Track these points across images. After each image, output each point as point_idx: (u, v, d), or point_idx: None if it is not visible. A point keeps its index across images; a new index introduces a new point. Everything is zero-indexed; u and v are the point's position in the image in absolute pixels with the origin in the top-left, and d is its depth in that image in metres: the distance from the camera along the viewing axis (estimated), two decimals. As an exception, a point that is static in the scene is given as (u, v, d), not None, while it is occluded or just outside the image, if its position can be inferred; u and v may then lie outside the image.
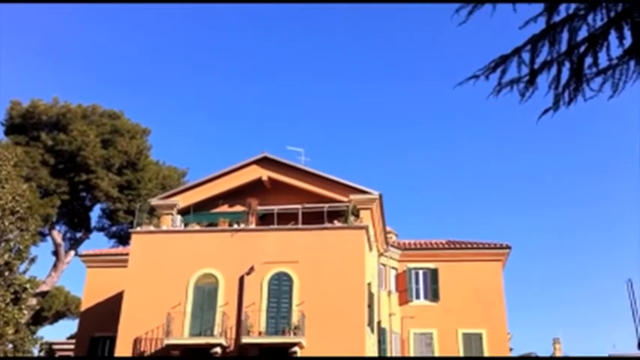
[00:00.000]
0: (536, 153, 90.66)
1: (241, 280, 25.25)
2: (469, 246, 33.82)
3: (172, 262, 25.72)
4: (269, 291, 25.06)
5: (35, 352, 26.63)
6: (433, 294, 32.81)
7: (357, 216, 26.82)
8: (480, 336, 31.71)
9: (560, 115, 8.34)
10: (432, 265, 33.34)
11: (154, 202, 29.20)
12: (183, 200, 28.72)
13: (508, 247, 33.23)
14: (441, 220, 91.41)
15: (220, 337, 24.08)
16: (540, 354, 56.62)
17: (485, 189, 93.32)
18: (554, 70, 8.16)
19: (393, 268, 33.33)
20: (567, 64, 8.08)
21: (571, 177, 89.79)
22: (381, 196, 28.29)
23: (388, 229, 32.54)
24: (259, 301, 24.87)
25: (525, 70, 8.22)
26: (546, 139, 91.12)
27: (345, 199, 27.51)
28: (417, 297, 33.02)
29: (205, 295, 25.14)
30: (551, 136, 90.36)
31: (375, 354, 27.84)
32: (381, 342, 29.59)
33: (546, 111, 8.35)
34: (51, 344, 30.53)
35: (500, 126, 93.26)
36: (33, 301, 31.39)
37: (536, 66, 8.19)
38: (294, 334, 23.97)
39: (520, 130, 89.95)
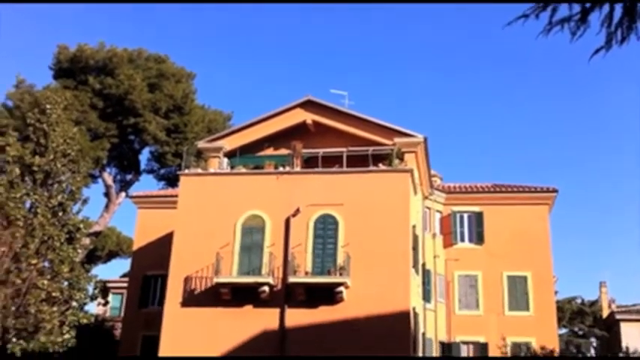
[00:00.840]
0: (587, 96, 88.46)
1: (287, 221, 25.64)
2: (515, 189, 33.59)
3: (220, 204, 26.22)
4: (314, 232, 25.42)
5: (90, 290, 27.60)
6: (478, 237, 32.85)
7: (401, 159, 26.80)
8: (524, 279, 31.80)
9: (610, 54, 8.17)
10: (476, 209, 33.27)
11: (201, 144, 29.61)
12: (229, 143, 29.06)
13: (555, 191, 32.90)
14: (486, 164, 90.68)
15: (268, 277, 24.65)
16: (586, 297, 56.52)
17: (532, 133, 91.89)
18: (606, 7, 7.96)
19: (438, 211, 33.37)
20: (620, 2, 7.87)
21: (627, 123, 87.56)
22: (425, 139, 28.15)
23: (433, 172, 32.47)
24: (305, 243, 25.28)
25: (577, 8, 8.04)
26: (601, 81, 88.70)
27: (390, 142, 27.47)
28: (462, 240, 33.12)
29: (252, 236, 25.65)
30: (605, 80, 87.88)
31: (420, 295, 28.18)
32: (426, 283, 29.90)
33: (598, 50, 8.19)
34: (105, 282, 31.65)
35: (547, 68, 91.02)
36: (86, 241, 32.41)
37: (587, 4, 8.00)
38: (340, 274, 24.38)
39: (569, 72, 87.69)
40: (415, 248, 26.59)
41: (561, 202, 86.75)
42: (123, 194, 39.98)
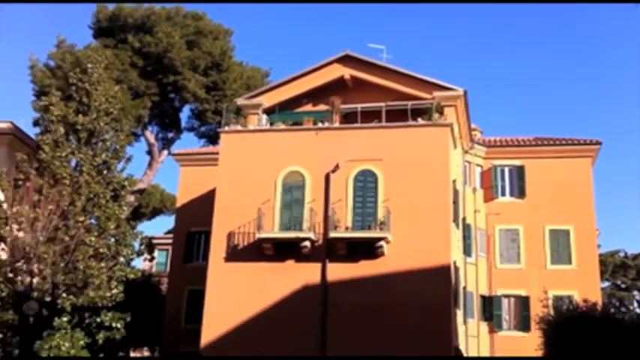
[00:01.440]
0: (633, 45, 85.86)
1: (327, 177, 25.75)
2: (557, 142, 33.11)
3: (260, 160, 26.43)
4: (354, 188, 25.51)
5: (136, 246, 28.27)
6: (519, 191, 32.60)
7: (441, 113, 26.54)
8: (567, 232, 31.58)
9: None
10: (518, 162, 32.93)
11: (240, 101, 29.72)
12: (268, 100, 29.11)
13: (598, 143, 32.34)
14: (528, 117, 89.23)
15: (309, 232, 24.91)
16: (629, 250, 55.88)
17: (575, 84, 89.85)
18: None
19: (478, 165, 33.13)
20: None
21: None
22: (465, 93, 27.80)
23: (473, 126, 32.13)
24: (345, 198, 25.41)
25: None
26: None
27: (429, 96, 27.20)
28: (503, 194, 32.90)
29: (293, 192, 25.87)
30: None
31: (460, 249, 28.22)
32: (466, 238, 29.90)
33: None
34: (150, 238, 32.31)
35: (593, 18, 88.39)
36: (131, 198, 33.09)
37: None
38: (380, 229, 24.50)
39: (614, 22, 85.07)
40: (455, 202, 26.52)
41: (605, 154, 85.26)
42: (165, 152, 40.51)
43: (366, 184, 25.42)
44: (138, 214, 45.36)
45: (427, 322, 23.25)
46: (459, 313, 26.36)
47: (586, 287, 28.58)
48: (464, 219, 29.63)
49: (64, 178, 24.96)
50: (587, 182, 32.22)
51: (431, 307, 23.51)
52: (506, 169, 33.15)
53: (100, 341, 26.00)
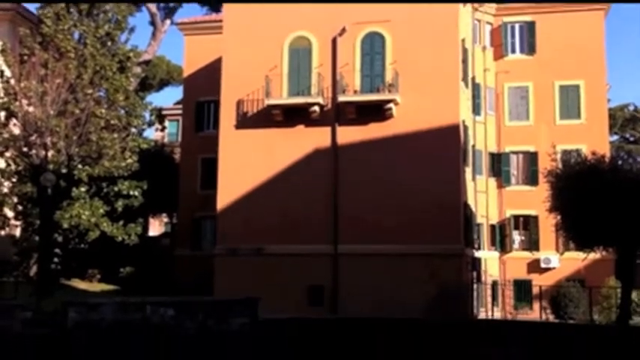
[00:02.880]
0: None
1: (334, 41, 25.38)
2: (569, -5, 32.15)
3: (265, 26, 25.96)
4: (362, 51, 25.19)
5: (147, 117, 28.51)
6: (529, 47, 32.13)
7: (450, -32, 25.65)
8: (577, 87, 31.42)
9: None
10: (528, 18, 32.23)
11: (242, -35, 28.76)
12: (272, -38, 28.14)
13: (611, -5, 31.43)
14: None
15: (317, 97, 24.90)
16: (639, 104, 55.57)
17: None
18: None
19: (488, 23, 32.45)
20: None
21: None
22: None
23: (483, -19, 31.18)
24: (353, 62, 25.16)
25: None
26: None
27: (437, -49, 26.16)
28: (513, 51, 32.47)
29: (300, 58, 25.61)
30: None
31: (469, 109, 28.22)
32: (475, 97, 29.82)
33: None
34: (160, 109, 32.51)
35: None
36: (138, 70, 32.90)
37: None
38: (389, 91, 24.45)
39: None
40: (464, 61, 26.23)
41: (617, 6, 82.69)
42: (168, 22, 39.75)
43: (373, 46, 25.08)
44: (145, 86, 45.17)
45: (437, 180, 23.67)
46: (468, 171, 26.76)
47: (595, 141, 28.76)
48: (473, 78, 29.40)
49: (69, 52, 24.80)
50: (599, 36, 31.66)
51: (441, 166, 23.86)
52: (517, 26, 32.51)
53: (119, 209, 26.85)
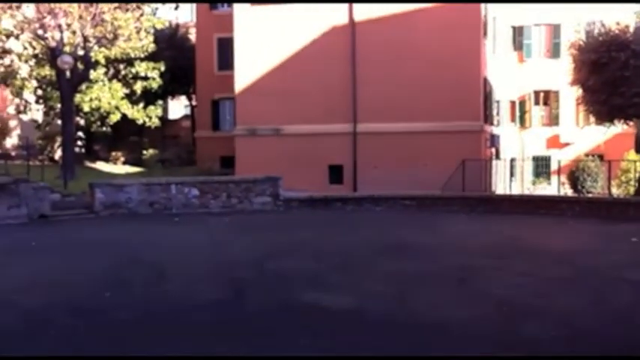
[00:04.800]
0: None
1: None
2: None
3: None
4: None
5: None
6: None
7: None
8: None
9: None
10: None
11: None
12: None
13: None
14: None
15: None
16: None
17: None
18: None
19: None
20: None
21: None
22: None
23: None
24: None
25: None
26: None
27: None
28: None
29: None
30: None
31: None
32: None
33: None
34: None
35: None
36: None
37: None
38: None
39: None
40: None
41: None
42: None
43: None
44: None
45: (457, 54, 23.24)
46: (489, 44, 26.20)
47: (619, 11, 27.77)
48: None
49: None
50: None
51: (460, 38, 23.35)
52: None
53: (138, 91, 26.89)
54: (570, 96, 26.74)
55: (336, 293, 7.69)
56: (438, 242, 12.03)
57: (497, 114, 29.00)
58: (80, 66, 23.00)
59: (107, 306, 7.20)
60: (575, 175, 23.84)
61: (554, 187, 26.92)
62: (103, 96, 24.98)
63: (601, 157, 26.60)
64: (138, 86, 26.51)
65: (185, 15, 45.42)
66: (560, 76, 24.28)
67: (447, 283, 8.33)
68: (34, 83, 26.65)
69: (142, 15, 24.73)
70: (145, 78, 26.46)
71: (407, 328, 6.22)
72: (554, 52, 29.89)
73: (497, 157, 27.42)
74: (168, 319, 6.66)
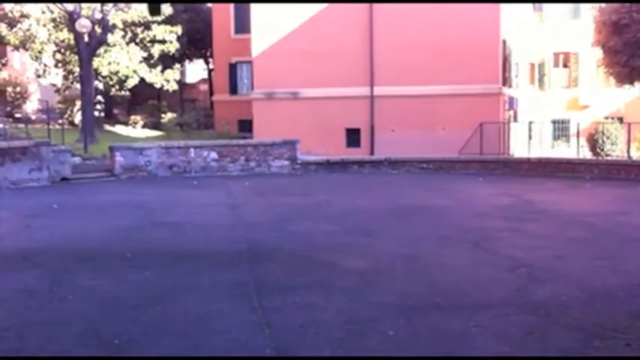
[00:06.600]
0: None
1: None
2: None
3: None
4: None
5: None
6: None
7: None
8: None
9: None
10: None
11: None
12: None
13: None
14: None
15: None
16: None
17: None
18: None
19: None
20: None
21: None
22: None
23: None
24: None
25: None
26: None
27: None
28: None
29: None
30: None
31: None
32: None
33: None
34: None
35: None
36: None
37: None
38: None
39: None
40: None
41: None
42: None
43: None
44: None
45: (475, 15, 22.97)
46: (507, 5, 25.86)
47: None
48: None
49: None
50: None
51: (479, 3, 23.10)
52: None
53: (156, 55, 26.93)
54: (590, 58, 26.41)
55: (352, 255, 7.80)
56: (454, 205, 12.12)
57: (516, 76, 28.72)
58: (98, 29, 23.06)
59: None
60: (594, 137, 23.70)
61: (574, 150, 26.76)
62: (121, 60, 25.03)
63: (620, 120, 26.37)
64: (155, 50, 26.54)
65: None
66: (580, 37, 23.98)
67: (463, 245, 8.42)
68: (53, 47, 26.74)
69: (158, -23, 24.61)
70: (163, 41, 26.47)
71: (420, 286, 6.33)
72: (575, 12, 29.45)
73: (516, 119, 27.26)
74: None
